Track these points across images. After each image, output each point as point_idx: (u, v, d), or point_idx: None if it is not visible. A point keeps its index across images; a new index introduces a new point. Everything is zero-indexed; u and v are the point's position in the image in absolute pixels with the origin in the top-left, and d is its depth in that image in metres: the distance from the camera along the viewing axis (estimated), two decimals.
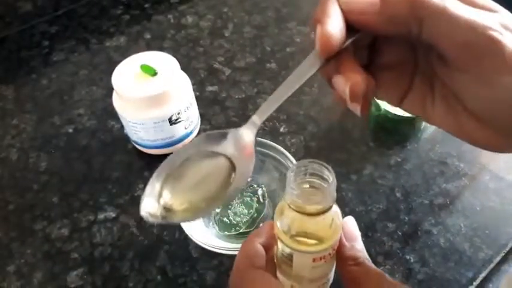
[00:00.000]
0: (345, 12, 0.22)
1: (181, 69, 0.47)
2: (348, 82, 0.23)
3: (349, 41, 0.23)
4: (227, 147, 0.26)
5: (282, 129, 0.52)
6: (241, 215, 0.43)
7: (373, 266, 0.27)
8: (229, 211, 0.43)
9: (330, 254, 0.26)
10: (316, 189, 0.25)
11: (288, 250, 0.26)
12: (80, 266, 0.41)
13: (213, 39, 0.64)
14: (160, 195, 0.25)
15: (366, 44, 0.26)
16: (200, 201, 0.25)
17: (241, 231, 0.42)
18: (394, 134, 0.51)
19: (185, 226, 0.38)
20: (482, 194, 0.45)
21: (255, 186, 0.45)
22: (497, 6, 0.22)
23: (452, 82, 0.23)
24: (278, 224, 0.26)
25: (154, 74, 0.45)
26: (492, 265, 0.40)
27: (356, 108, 0.23)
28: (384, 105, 0.52)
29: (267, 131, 0.51)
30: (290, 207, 0.25)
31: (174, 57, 0.47)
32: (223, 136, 0.26)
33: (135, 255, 0.42)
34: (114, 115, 0.49)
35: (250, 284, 0.25)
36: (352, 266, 0.27)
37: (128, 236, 0.43)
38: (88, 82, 0.59)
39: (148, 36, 0.65)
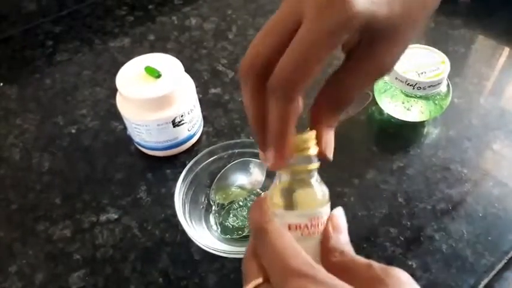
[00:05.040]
0: None
1: (185, 71, 0.47)
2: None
3: None
4: None
5: None
6: (244, 219, 0.43)
7: (359, 256, 0.26)
8: (231, 215, 0.43)
9: (307, 227, 0.26)
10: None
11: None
12: (81, 267, 0.41)
13: (217, 41, 0.64)
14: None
15: None
16: None
17: (243, 234, 0.42)
18: (396, 138, 0.51)
19: (187, 229, 0.38)
20: (485, 200, 0.45)
21: (258, 189, 0.45)
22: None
23: None
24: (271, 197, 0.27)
25: (159, 76, 0.45)
26: (494, 272, 0.40)
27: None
28: (387, 109, 0.52)
29: None
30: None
31: (178, 58, 0.47)
32: None
33: (137, 257, 0.42)
34: (117, 116, 0.49)
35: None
36: (338, 257, 0.26)
37: (130, 237, 0.43)
38: (91, 83, 0.59)
39: (152, 37, 0.65)
